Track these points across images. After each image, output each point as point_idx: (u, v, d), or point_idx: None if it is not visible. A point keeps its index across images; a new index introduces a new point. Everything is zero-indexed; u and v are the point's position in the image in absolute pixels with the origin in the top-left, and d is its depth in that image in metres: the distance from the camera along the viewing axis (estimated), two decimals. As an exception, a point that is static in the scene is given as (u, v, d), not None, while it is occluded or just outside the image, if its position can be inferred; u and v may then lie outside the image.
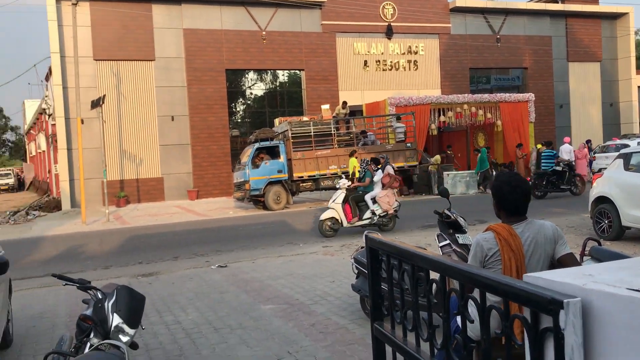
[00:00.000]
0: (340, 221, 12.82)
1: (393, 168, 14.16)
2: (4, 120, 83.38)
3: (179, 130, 26.09)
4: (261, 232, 14.67)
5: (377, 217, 12.85)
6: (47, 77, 31.03)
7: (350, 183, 13.44)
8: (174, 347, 5.81)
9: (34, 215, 22.82)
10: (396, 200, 12.99)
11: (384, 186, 12.90)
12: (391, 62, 29.94)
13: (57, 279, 4.13)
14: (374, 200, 12.86)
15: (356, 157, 18.21)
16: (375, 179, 13.05)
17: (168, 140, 25.91)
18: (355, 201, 12.93)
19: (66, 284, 4.05)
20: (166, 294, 8.26)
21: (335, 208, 12.84)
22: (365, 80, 29.44)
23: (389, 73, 29.93)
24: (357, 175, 15.24)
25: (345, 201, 12.86)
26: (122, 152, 25.32)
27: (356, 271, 6.38)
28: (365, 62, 29.51)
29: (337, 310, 6.75)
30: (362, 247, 6.80)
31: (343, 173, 18.65)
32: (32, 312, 7.75)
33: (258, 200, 20.15)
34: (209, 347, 5.74)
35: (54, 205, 24.77)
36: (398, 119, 22.91)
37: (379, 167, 13.35)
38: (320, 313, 6.68)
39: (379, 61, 29.74)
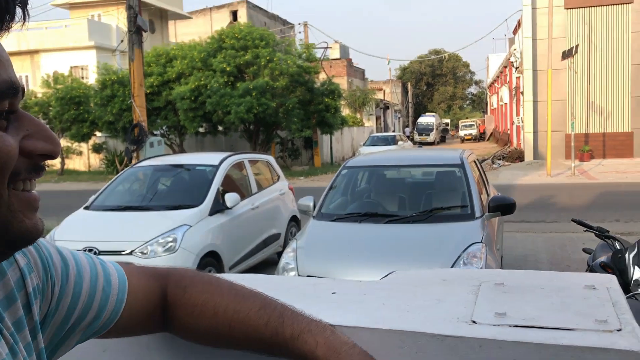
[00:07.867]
0: None
1: None
2: (469, 75, 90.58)
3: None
4: None
5: None
6: (515, 31, 31.90)
7: None
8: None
9: (499, 164, 24.18)
10: None
11: None
12: None
13: (576, 224, 4.19)
14: None
15: None
16: None
17: (642, 92, 23.53)
18: None
19: (586, 230, 4.07)
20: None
21: None
22: None
23: None
24: None
25: None
26: (589, 105, 24.22)
27: None
28: None
29: None
30: None
31: None
32: (516, 253, 8.24)
33: None
34: None
35: (517, 156, 25.66)
36: None
37: None
38: None
39: None
